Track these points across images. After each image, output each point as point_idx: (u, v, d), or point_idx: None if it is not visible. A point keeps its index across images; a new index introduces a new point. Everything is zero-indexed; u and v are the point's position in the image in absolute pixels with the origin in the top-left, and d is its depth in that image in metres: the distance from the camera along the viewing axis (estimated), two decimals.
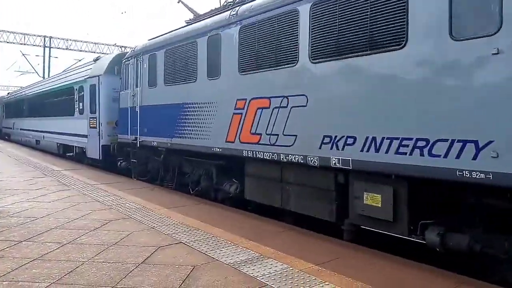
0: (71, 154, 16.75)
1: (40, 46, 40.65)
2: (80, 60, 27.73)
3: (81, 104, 15.24)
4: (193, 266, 4.62)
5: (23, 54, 43.74)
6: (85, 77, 14.91)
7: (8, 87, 62.68)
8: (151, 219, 6.88)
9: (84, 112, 14.79)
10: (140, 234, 5.97)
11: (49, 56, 41.32)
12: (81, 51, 40.56)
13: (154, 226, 6.38)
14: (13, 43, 38.98)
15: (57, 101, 18.59)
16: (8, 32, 38.58)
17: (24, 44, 39.81)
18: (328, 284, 4.07)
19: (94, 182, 11.11)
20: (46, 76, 38.22)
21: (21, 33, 39.36)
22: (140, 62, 10.97)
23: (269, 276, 4.28)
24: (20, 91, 29.42)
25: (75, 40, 41.13)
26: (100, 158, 13.75)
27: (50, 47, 40.80)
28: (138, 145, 11.08)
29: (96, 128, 13.84)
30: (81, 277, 4.31)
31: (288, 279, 4.21)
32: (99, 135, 13.64)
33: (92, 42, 41.43)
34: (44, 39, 40.45)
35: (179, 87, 9.22)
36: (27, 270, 4.53)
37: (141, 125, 10.85)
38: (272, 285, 4.05)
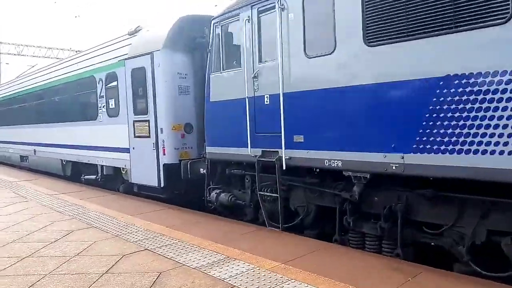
0: (94, 177, 11.58)
1: None
2: (33, 66, 25.97)
3: (111, 101, 10.48)
4: (160, 272, 4.59)
5: None
6: (120, 58, 10.03)
7: None
8: (114, 227, 6.74)
9: (121, 113, 10.09)
10: (103, 243, 5.85)
11: None
12: (34, 56, 38.95)
13: (118, 234, 6.26)
14: None
15: (62, 99, 13.28)
16: None
17: None
18: (294, 281, 4.16)
19: (53, 192, 10.73)
20: None
21: None
22: (278, 13, 6.17)
23: (236, 277, 4.32)
24: None
25: (27, 45, 39.46)
26: (162, 186, 8.86)
27: (0, 53, 39.00)
28: (284, 167, 6.23)
29: (149, 136, 9.13)
30: None
31: (255, 279, 4.26)
32: (157, 147, 8.91)
33: (45, 47, 39.88)
34: None
35: (427, 44, 4.51)
36: None
37: (288, 129, 6.22)
38: (240, 286, 4.10)
